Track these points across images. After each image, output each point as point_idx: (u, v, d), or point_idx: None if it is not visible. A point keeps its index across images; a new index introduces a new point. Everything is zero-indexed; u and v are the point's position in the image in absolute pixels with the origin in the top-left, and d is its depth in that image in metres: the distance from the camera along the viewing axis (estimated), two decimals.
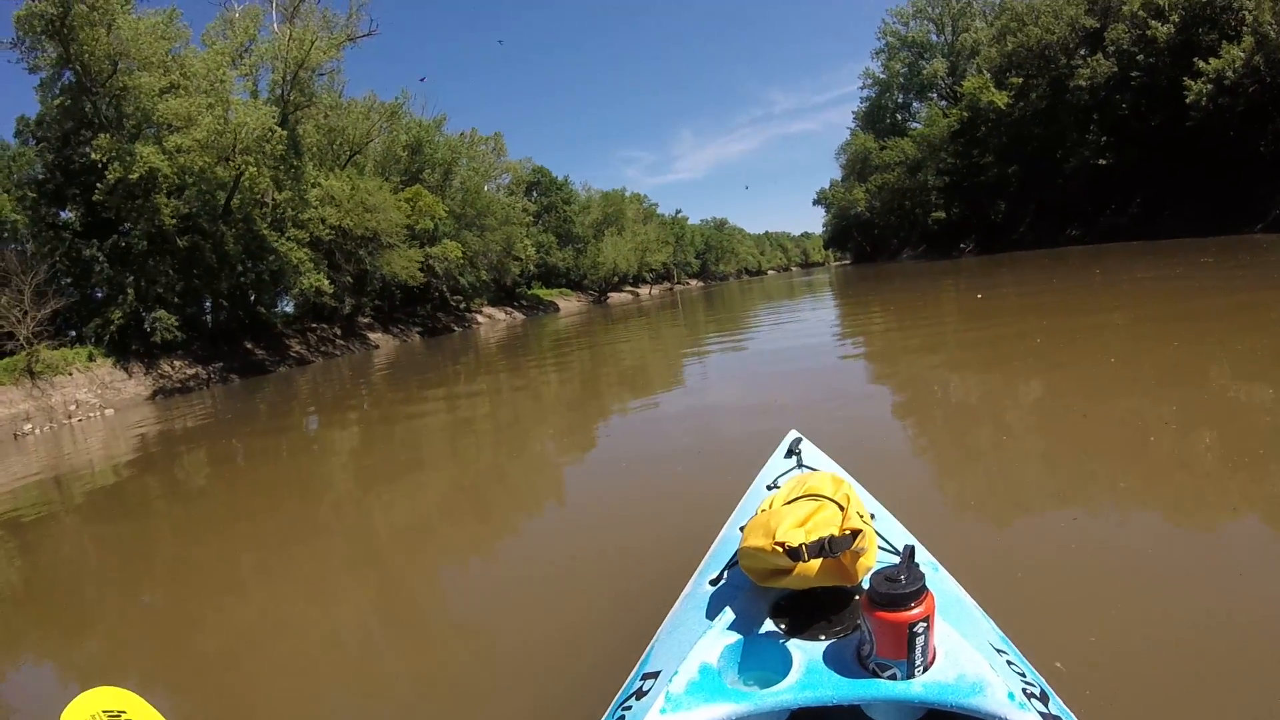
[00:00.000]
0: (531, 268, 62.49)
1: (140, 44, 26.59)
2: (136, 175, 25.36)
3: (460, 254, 46.25)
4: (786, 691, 1.61)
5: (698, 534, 3.22)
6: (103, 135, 25.78)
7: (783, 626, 1.83)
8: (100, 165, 25.42)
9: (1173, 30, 33.41)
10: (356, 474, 9.62)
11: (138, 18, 26.88)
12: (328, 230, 34.57)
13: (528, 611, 4.24)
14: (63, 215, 28.20)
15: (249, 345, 32.43)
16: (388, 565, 5.68)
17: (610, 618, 3.74)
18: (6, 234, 26.35)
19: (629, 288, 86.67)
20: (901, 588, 1.55)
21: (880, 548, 2.02)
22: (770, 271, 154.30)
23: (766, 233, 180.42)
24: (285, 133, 30.47)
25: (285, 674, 4.02)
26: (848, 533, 1.82)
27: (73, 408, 22.45)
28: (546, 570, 4.84)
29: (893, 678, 1.58)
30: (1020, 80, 46.01)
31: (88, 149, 25.96)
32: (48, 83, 27.16)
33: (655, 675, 1.82)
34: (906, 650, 1.56)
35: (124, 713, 2.47)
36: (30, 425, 20.49)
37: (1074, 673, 2.64)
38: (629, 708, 1.74)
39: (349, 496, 8.39)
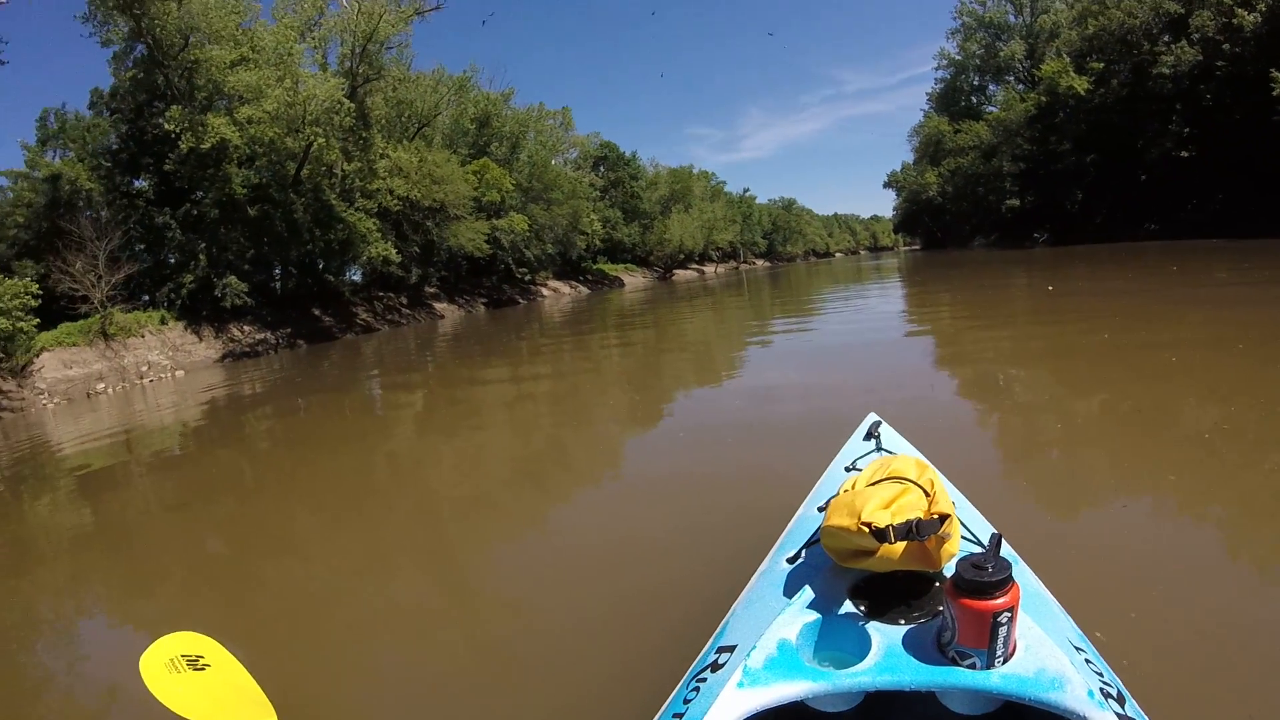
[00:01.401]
0: (597, 242, 62.16)
1: (210, 18, 27.27)
2: (208, 145, 26.15)
3: (526, 227, 46.54)
4: (865, 673, 1.61)
5: (768, 512, 3.30)
6: (175, 107, 26.55)
7: (862, 608, 1.82)
8: (173, 135, 26.19)
9: (1259, 19, 31.86)
10: (418, 441, 9.84)
11: None
12: (395, 201, 35.15)
13: (594, 583, 4.29)
14: (136, 183, 29.07)
15: (316, 312, 33.13)
16: (448, 533, 5.74)
17: (679, 592, 3.77)
18: (82, 202, 27.26)
19: (694, 265, 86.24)
20: (988, 576, 1.54)
21: (963, 536, 2.00)
22: (838, 254, 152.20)
23: (835, 214, 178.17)
24: (354, 105, 30.95)
25: (344, 633, 4.09)
26: (935, 517, 1.83)
27: (144, 369, 23.26)
28: (612, 543, 4.87)
29: (972, 667, 1.57)
30: (1101, 65, 44.23)
31: (160, 120, 26.70)
32: (120, 56, 28.03)
33: (731, 649, 1.83)
34: (989, 640, 1.54)
35: (201, 657, 2.62)
36: (103, 385, 21.37)
37: (1113, 643, 2.73)
38: (704, 679, 1.76)
39: (410, 462, 8.55)
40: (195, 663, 2.57)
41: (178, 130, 26.02)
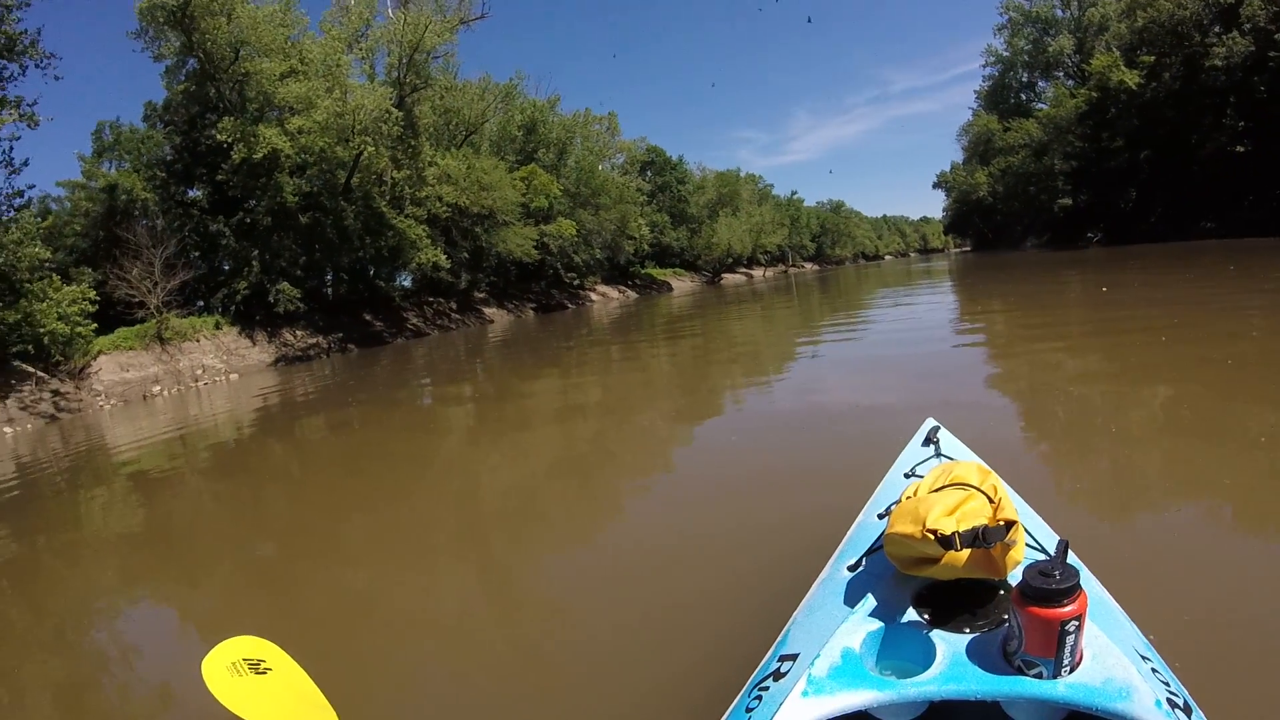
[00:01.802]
0: (645, 247, 62.25)
1: (259, 31, 28.08)
2: (260, 155, 26.87)
3: (574, 232, 46.78)
4: (930, 682, 1.60)
5: (824, 519, 3.34)
6: (227, 118, 27.33)
7: (926, 616, 1.81)
8: (225, 146, 26.92)
9: None
10: (467, 445, 9.88)
11: (255, 7, 28.41)
12: (445, 208, 35.53)
13: (647, 590, 4.21)
14: (190, 193, 29.87)
15: (367, 317, 33.70)
16: (498, 539, 5.71)
17: (734, 600, 3.74)
18: (138, 211, 28.22)
19: (743, 269, 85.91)
20: (1056, 584, 1.52)
21: (1026, 544, 1.96)
22: (887, 257, 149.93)
23: (884, 216, 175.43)
24: (402, 114, 31.37)
25: (395, 638, 4.08)
26: (1001, 523, 1.81)
27: (199, 372, 23.91)
28: (664, 550, 4.77)
29: (1038, 676, 1.55)
30: (1152, 59, 42.96)
31: (213, 131, 27.41)
32: (173, 70, 28.84)
33: (793, 658, 1.82)
34: (1056, 648, 1.53)
35: (263, 661, 2.68)
36: (159, 387, 22.01)
37: (1167, 644, 2.65)
38: (766, 688, 1.75)
39: (459, 467, 8.54)
40: (257, 666, 2.62)
41: (230, 141, 26.74)
